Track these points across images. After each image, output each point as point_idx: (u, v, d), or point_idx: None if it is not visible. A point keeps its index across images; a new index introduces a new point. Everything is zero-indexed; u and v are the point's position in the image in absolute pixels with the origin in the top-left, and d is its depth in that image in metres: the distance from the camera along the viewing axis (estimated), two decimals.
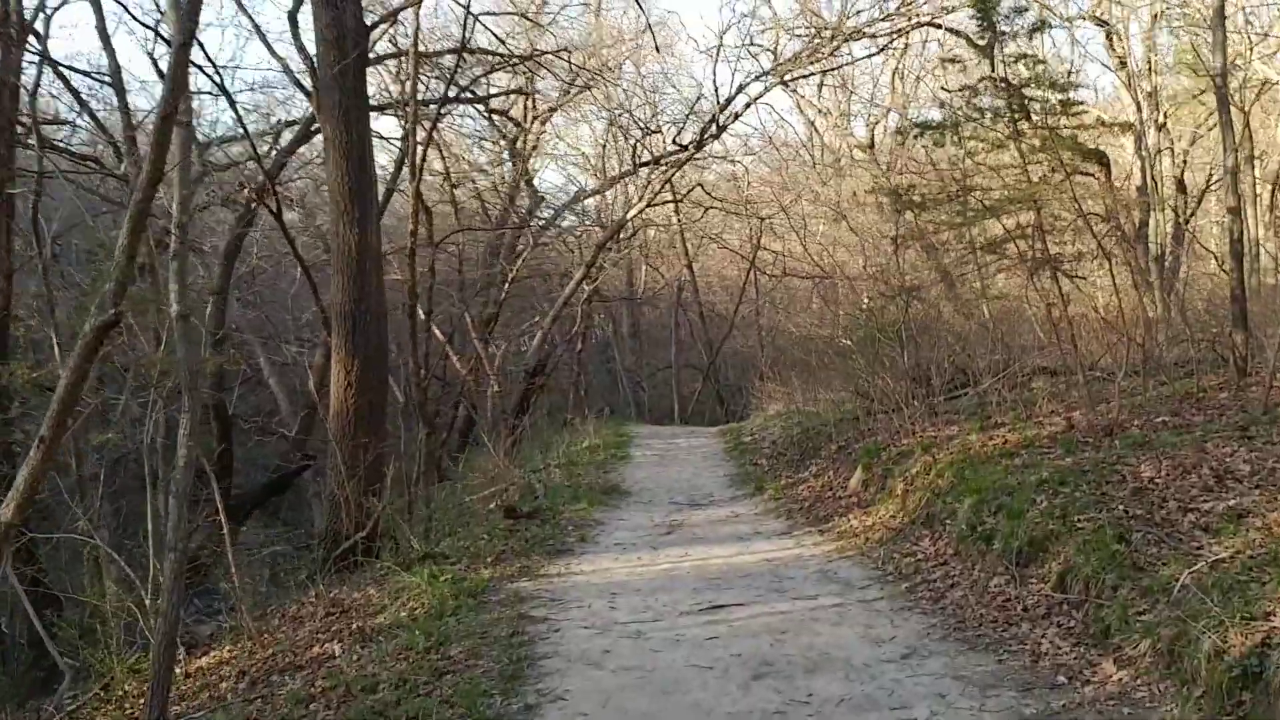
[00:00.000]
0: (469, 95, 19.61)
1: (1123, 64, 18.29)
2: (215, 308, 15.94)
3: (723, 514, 11.86)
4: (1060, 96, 11.09)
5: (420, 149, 11.47)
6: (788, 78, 20.57)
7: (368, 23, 11.38)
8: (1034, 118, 11.26)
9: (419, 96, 17.52)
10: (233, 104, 16.02)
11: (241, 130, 16.60)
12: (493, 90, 25.12)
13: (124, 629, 8.05)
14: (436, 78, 20.78)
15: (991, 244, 11.71)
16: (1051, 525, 7.30)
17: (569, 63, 21.21)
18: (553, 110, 25.65)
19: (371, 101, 19.17)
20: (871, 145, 28.48)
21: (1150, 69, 18.23)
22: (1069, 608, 6.45)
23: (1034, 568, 7.15)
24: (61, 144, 17.70)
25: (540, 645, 6.89)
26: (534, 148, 26.74)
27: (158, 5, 16.74)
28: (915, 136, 11.65)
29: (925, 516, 9.29)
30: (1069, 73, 16.27)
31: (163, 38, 15.40)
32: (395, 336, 14.67)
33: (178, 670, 7.45)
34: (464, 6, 13.74)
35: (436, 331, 22.42)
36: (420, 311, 21.78)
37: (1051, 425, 10.42)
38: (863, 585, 7.98)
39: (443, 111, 18.15)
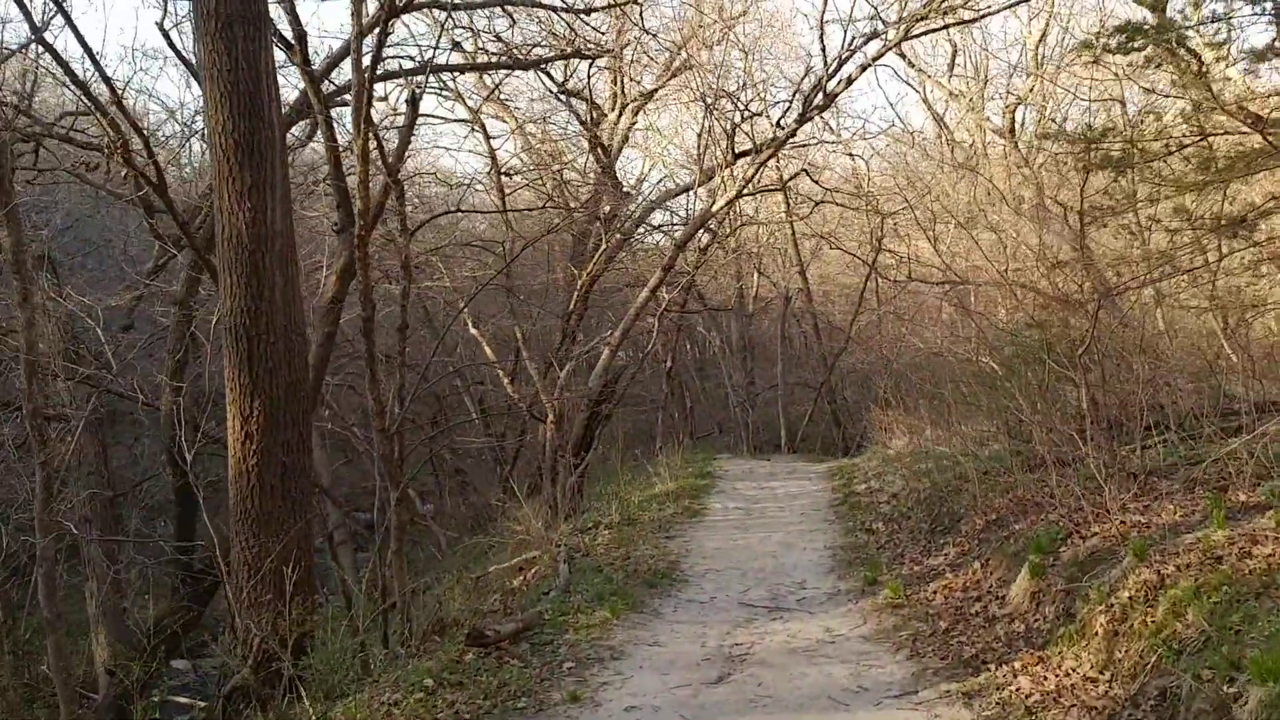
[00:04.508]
0: (515, 60, 15.96)
1: None
2: (177, 321, 12.54)
3: (814, 634, 7.86)
4: None
5: (366, 93, 7.80)
6: (911, 34, 16.32)
7: None
8: None
9: (440, 59, 14.13)
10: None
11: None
12: (571, 79, 21.77)
13: None
14: (497, 51, 17.39)
15: (1237, 221, 7.46)
16: None
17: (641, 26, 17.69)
18: (648, 96, 22.08)
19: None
20: (1012, 131, 24.51)
21: None
22: None
23: None
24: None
25: None
26: (624, 140, 23.18)
27: None
28: (1113, 52, 7.52)
29: (1158, 695, 5.23)
30: None
31: None
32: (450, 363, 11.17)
33: None
34: None
35: (487, 350, 18.94)
36: (468, 322, 18.56)
37: None
38: None
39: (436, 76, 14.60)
